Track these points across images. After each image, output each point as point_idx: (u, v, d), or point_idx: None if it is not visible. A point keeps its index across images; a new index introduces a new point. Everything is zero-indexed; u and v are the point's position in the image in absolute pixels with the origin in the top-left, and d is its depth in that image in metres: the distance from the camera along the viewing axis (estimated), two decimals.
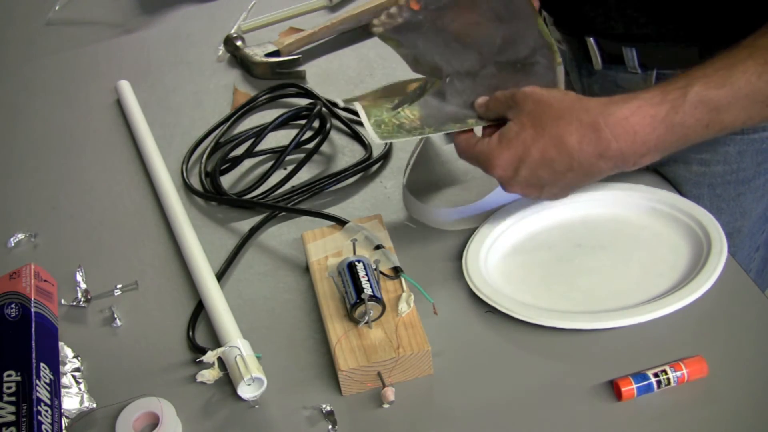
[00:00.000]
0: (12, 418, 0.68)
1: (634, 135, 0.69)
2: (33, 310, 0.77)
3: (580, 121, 0.70)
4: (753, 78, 0.68)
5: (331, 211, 0.89)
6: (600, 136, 0.69)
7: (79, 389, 0.74)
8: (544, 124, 0.71)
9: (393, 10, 0.84)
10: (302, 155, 0.97)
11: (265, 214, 0.91)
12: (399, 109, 0.81)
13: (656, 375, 0.69)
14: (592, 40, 0.91)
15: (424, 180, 0.90)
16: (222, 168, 0.97)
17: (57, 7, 1.35)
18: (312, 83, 1.13)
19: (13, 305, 0.77)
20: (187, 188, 0.97)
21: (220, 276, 0.85)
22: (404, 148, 0.98)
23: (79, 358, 0.78)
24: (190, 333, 0.79)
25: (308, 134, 1.00)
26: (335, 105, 1.05)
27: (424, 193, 0.90)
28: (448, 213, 0.86)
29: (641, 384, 0.68)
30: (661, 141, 0.70)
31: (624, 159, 0.71)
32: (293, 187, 0.95)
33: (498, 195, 0.83)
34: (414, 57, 0.87)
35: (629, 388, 0.68)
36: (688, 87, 0.69)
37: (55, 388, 0.72)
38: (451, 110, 0.81)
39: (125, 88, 1.13)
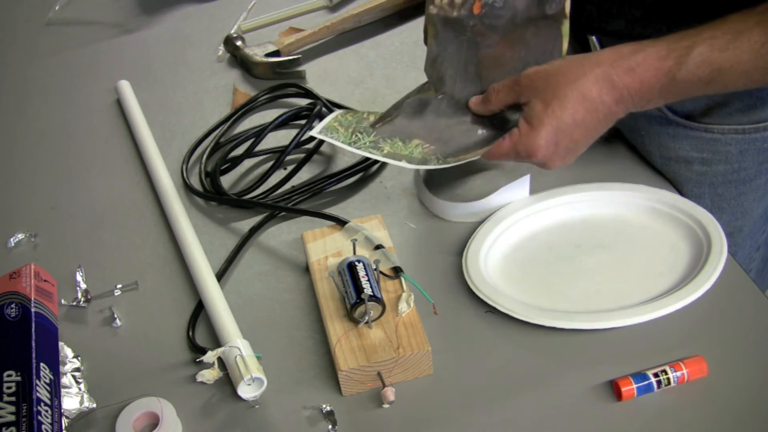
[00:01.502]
0: (12, 418, 0.68)
1: (641, 83, 0.73)
2: (33, 310, 0.77)
3: (595, 77, 0.74)
4: (757, 46, 0.70)
5: (331, 211, 0.89)
6: (614, 86, 0.73)
7: (79, 389, 0.74)
8: (565, 92, 0.74)
9: (485, 21, 0.83)
10: (302, 155, 0.97)
11: (265, 214, 0.91)
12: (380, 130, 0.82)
13: (656, 375, 0.69)
14: (594, 38, 0.91)
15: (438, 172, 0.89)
16: (222, 168, 0.97)
17: (57, 7, 1.35)
18: (312, 83, 1.13)
19: (13, 305, 0.77)
20: (187, 188, 0.97)
21: (220, 276, 0.85)
22: None
23: (79, 358, 0.78)
24: (190, 333, 0.79)
25: (308, 134, 0.99)
26: (334, 105, 1.05)
27: (437, 183, 0.90)
28: (457, 207, 0.86)
29: (641, 384, 0.68)
30: (664, 90, 0.73)
31: (633, 102, 0.75)
32: (293, 187, 0.95)
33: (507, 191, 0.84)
34: (436, 57, 0.87)
35: (629, 388, 0.68)
36: (693, 46, 0.71)
37: (55, 388, 0.72)
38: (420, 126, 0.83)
39: (125, 88, 1.13)
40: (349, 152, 0.87)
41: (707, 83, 0.72)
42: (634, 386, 0.68)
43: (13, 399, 0.69)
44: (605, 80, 0.74)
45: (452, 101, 0.84)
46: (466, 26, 0.83)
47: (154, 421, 0.71)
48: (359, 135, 0.84)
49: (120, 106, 1.12)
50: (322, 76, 1.14)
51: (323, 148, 1.00)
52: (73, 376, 0.75)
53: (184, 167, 0.99)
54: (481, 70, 0.84)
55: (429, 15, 0.86)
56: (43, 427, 0.68)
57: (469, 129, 0.82)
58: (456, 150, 0.81)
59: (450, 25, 0.84)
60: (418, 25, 1.21)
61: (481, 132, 0.82)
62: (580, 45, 0.96)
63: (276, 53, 1.17)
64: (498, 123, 0.82)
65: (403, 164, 0.80)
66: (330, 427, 0.70)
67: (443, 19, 0.84)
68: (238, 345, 0.73)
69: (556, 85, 0.75)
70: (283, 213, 0.91)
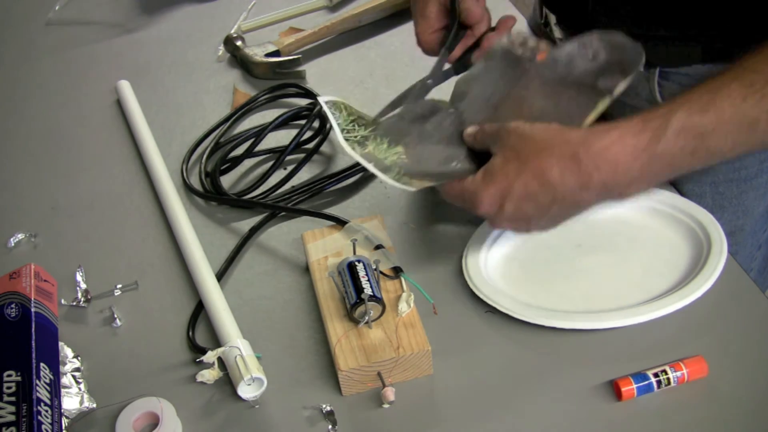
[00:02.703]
0: (12, 418, 0.68)
1: (616, 165, 0.67)
2: (33, 310, 0.77)
3: (561, 153, 0.68)
4: (737, 101, 0.65)
5: (331, 211, 0.89)
6: (581, 168, 0.67)
7: (79, 389, 0.74)
8: (526, 158, 0.70)
9: (531, 42, 0.81)
10: (302, 155, 0.97)
11: (265, 214, 0.91)
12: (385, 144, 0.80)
13: (656, 375, 0.69)
14: None
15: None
16: (222, 168, 0.97)
17: (57, 7, 1.35)
18: (312, 83, 1.13)
19: (13, 305, 0.77)
20: (187, 188, 0.97)
21: (220, 276, 0.85)
22: None
23: (79, 358, 0.78)
24: (190, 333, 0.79)
25: (308, 134, 1.00)
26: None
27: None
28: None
29: (641, 384, 0.68)
30: (646, 170, 0.67)
31: (608, 190, 0.68)
32: (293, 187, 0.95)
33: None
34: (475, 76, 0.83)
35: (629, 388, 0.68)
36: (671, 114, 0.66)
37: (55, 388, 0.72)
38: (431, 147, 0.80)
39: (125, 88, 1.13)
40: (335, 138, 0.85)
41: (692, 153, 0.66)
42: (634, 386, 0.68)
43: (13, 399, 0.69)
44: (571, 160, 0.68)
45: (457, 121, 0.82)
46: (521, 65, 0.81)
47: (154, 421, 0.71)
48: (356, 126, 0.83)
49: (120, 106, 1.12)
50: (322, 76, 1.14)
51: (323, 148, 1.00)
52: (73, 376, 0.75)
53: (184, 167, 0.99)
54: (501, 104, 0.81)
55: (496, 44, 0.84)
56: (43, 427, 0.68)
57: (447, 157, 0.78)
58: (421, 173, 0.78)
59: (508, 58, 0.82)
60: None
61: (455, 164, 0.78)
62: None
63: (276, 53, 1.17)
64: (479, 165, 0.77)
65: (370, 167, 0.77)
66: (330, 427, 0.70)
67: (506, 51, 0.82)
68: (238, 345, 0.73)
69: (522, 148, 0.70)
70: (283, 213, 0.91)
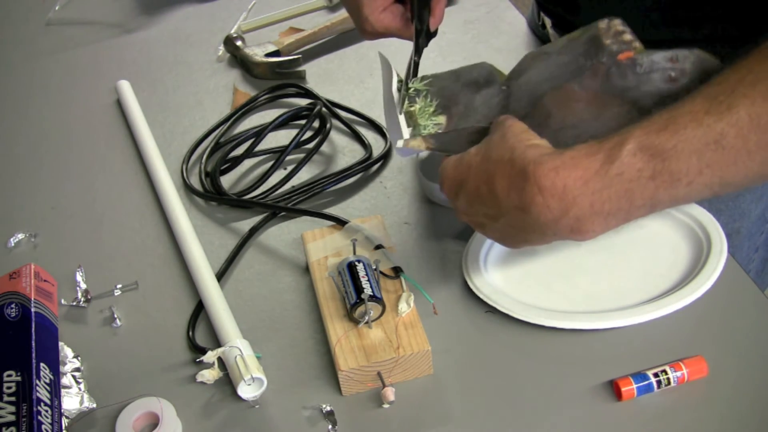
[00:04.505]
0: (12, 418, 0.68)
1: (563, 189, 0.59)
2: (33, 310, 0.77)
3: (513, 166, 0.62)
4: (699, 115, 0.57)
5: (331, 211, 0.89)
6: (525, 187, 0.60)
7: (79, 389, 0.74)
8: (489, 158, 0.64)
9: (627, 36, 0.71)
10: (302, 155, 0.97)
11: (265, 214, 0.91)
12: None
13: (656, 375, 0.69)
14: None
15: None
16: (222, 168, 0.97)
17: (57, 7, 1.35)
18: (312, 83, 1.13)
19: (13, 305, 0.77)
20: (187, 188, 0.97)
21: (220, 276, 0.85)
22: None
23: (79, 358, 0.78)
24: (190, 333, 0.79)
25: (308, 134, 1.00)
26: (336, 107, 1.05)
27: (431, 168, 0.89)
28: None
29: (641, 384, 0.68)
30: (598, 198, 0.59)
31: (555, 218, 0.60)
32: (293, 187, 0.95)
33: None
34: (547, 52, 0.76)
35: (629, 388, 0.68)
36: (627, 133, 0.59)
37: (55, 388, 0.72)
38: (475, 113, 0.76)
39: (125, 88, 1.13)
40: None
41: (652, 177, 0.58)
42: (634, 386, 0.68)
43: (13, 399, 0.69)
44: (520, 176, 0.61)
45: (504, 103, 0.75)
46: (598, 57, 0.71)
47: (154, 421, 0.71)
48: (413, 78, 0.80)
49: (120, 106, 1.12)
50: (322, 76, 1.14)
51: (323, 148, 1.00)
52: (73, 376, 0.75)
53: (184, 167, 0.99)
54: (549, 96, 0.72)
55: (591, 24, 0.74)
56: (43, 427, 0.68)
57: (469, 135, 0.73)
58: (442, 146, 0.75)
59: (591, 44, 0.73)
60: None
61: (467, 144, 0.72)
62: None
63: (276, 53, 1.17)
64: None
65: (405, 131, 0.75)
66: (330, 427, 0.70)
67: (593, 37, 0.73)
68: (238, 345, 0.73)
69: (493, 147, 0.65)
70: (283, 213, 0.91)
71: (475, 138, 0.72)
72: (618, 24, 0.72)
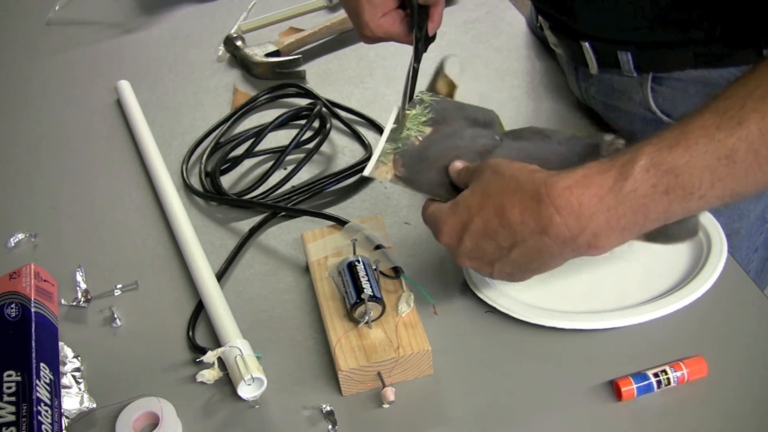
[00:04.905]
0: (12, 418, 0.68)
1: (579, 207, 0.60)
2: (33, 310, 0.77)
3: (523, 192, 0.63)
4: (711, 130, 0.58)
5: (331, 211, 0.89)
6: (540, 209, 0.61)
7: (79, 389, 0.74)
8: (491, 193, 0.65)
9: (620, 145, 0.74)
10: (302, 155, 0.97)
11: (265, 214, 0.91)
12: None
13: (656, 375, 0.69)
14: (587, 44, 0.90)
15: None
16: (222, 168, 0.97)
17: (57, 7, 1.35)
18: (312, 83, 1.13)
19: (13, 305, 0.77)
20: (187, 188, 0.97)
21: (220, 276, 0.85)
22: None
23: (79, 358, 0.78)
24: (190, 333, 0.79)
25: (308, 134, 1.00)
26: (335, 106, 1.05)
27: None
28: None
29: (641, 384, 0.68)
30: (614, 215, 0.60)
31: (573, 236, 0.62)
32: (293, 187, 0.95)
33: None
34: (542, 135, 0.78)
35: (629, 388, 0.68)
36: (638, 150, 0.60)
37: (55, 388, 0.72)
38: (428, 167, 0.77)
39: (125, 88, 1.13)
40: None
41: (665, 192, 0.59)
42: (634, 386, 0.68)
43: (13, 399, 0.69)
44: (533, 199, 0.62)
45: (492, 149, 0.77)
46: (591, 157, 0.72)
47: (154, 421, 0.71)
48: (412, 87, 0.81)
49: (120, 106, 1.12)
50: (322, 76, 1.14)
51: (323, 148, 1.00)
52: (73, 376, 0.75)
53: (184, 167, 0.99)
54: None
55: (597, 136, 0.75)
56: (43, 427, 0.68)
57: (441, 178, 0.75)
58: (410, 171, 0.76)
59: (590, 150, 0.74)
60: None
61: (439, 189, 0.75)
62: (571, 51, 0.96)
63: (276, 53, 1.17)
64: None
65: (387, 127, 0.77)
66: (330, 427, 0.70)
67: (594, 145, 0.75)
68: (238, 345, 0.73)
69: (490, 183, 0.66)
70: (283, 213, 0.91)
71: (443, 177, 0.74)
72: (621, 143, 0.74)
